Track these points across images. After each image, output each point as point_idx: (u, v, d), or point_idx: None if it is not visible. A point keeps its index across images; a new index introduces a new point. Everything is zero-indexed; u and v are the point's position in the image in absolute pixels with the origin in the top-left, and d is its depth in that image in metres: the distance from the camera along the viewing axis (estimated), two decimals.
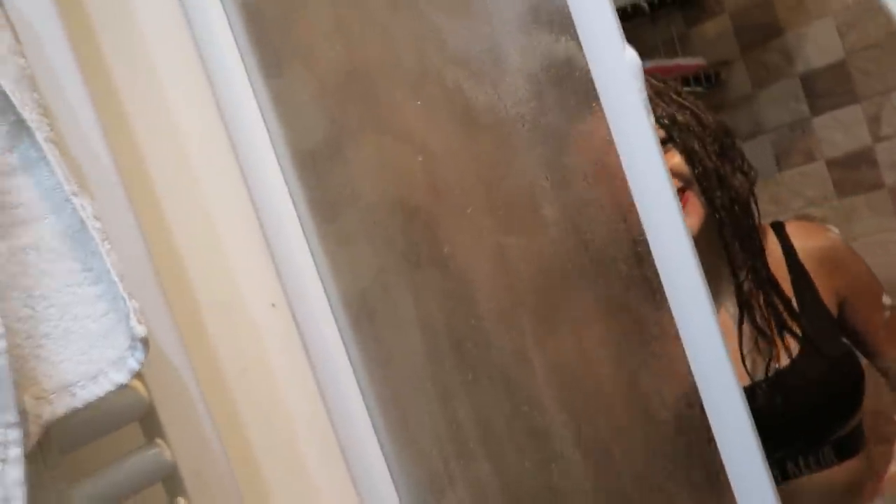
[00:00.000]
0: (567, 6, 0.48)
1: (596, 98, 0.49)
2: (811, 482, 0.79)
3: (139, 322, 0.37)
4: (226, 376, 0.62)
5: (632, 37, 0.46)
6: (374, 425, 0.68)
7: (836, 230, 0.87)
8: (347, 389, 0.68)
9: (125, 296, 0.37)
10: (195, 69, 0.67)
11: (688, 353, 0.49)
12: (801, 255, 0.82)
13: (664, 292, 0.50)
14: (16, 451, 0.33)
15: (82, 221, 0.40)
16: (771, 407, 0.77)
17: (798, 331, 0.78)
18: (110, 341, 0.39)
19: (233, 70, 0.68)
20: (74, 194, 0.38)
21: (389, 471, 0.68)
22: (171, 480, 0.45)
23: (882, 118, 1.24)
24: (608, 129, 0.49)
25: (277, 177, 0.68)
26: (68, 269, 0.40)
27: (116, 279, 0.38)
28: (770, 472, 0.47)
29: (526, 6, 0.53)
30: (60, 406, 0.37)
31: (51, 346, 0.38)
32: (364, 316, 0.68)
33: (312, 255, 0.69)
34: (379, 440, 0.68)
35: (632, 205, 0.48)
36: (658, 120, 0.80)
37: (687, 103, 0.82)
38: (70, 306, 0.39)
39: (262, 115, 0.67)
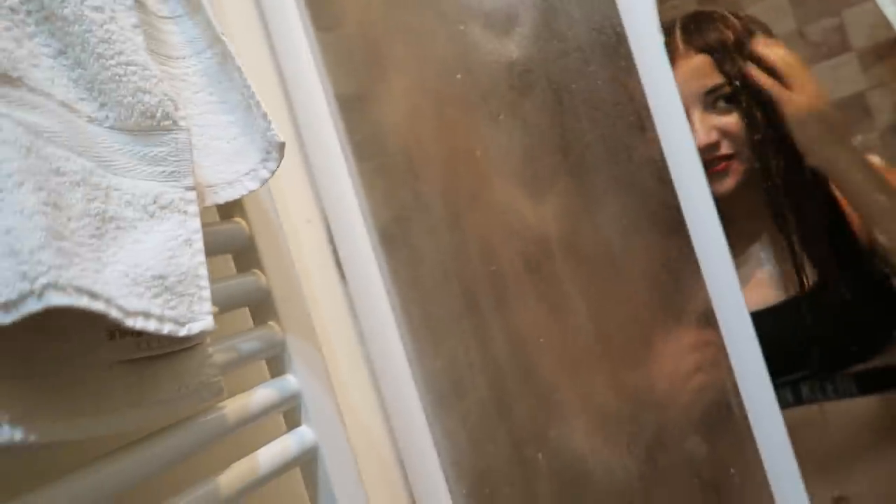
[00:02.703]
0: None
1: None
2: (832, 410, 0.81)
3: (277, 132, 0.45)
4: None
5: None
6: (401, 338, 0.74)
7: (876, 157, 0.87)
8: (379, 306, 0.75)
9: (264, 112, 0.45)
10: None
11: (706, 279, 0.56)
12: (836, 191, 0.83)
13: (683, 218, 0.58)
14: (194, 208, 0.39)
15: (219, 64, 0.48)
16: (792, 327, 0.80)
17: (824, 258, 0.81)
18: (243, 157, 0.46)
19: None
20: (223, 34, 0.47)
21: (413, 377, 0.74)
22: (263, 305, 0.52)
23: None
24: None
25: (324, 111, 0.76)
26: (206, 100, 0.47)
27: (256, 100, 0.46)
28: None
29: None
30: (209, 199, 0.44)
31: (196, 154, 0.45)
32: (398, 238, 0.75)
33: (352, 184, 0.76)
34: (404, 347, 0.74)
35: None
36: (727, 78, 0.81)
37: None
38: (207, 128, 0.46)
39: (312, 53, 0.76)
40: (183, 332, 0.36)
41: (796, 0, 1.62)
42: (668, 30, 0.90)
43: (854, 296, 0.83)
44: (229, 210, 0.52)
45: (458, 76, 0.70)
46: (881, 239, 0.83)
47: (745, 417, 0.55)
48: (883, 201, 0.81)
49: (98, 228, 0.34)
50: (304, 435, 0.51)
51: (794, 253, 0.83)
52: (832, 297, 0.83)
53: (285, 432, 0.51)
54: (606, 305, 0.65)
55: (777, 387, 0.86)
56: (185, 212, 0.39)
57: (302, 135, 0.75)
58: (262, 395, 0.48)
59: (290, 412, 0.51)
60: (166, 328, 0.35)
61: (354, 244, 0.74)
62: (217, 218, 0.52)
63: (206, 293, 0.38)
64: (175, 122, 0.40)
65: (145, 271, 0.35)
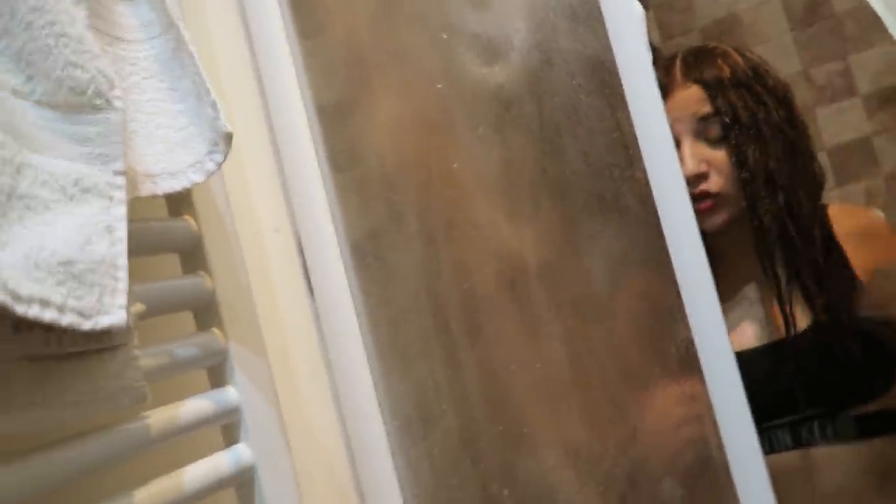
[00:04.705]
0: None
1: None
2: (833, 454, 0.79)
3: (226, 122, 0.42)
4: None
5: None
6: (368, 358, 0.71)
7: (880, 212, 0.88)
8: (345, 320, 0.71)
9: (214, 100, 0.42)
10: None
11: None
12: (839, 234, 0.84)
13: (669, 256, 0.55)
14: (121, 194, 0.36)
15: (173, 50, 0.45)
16: (783, 369, 0.79)
17: (820, 300, 0.80)
18: (189, 148, 0.43)
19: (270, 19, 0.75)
20: (179, 19, 0.44)
21: (378, 400, 0.70)
22: (207, 310, 0.48)
23: None
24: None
25: (302, 119, 0.73)
26: (156, 86, 0.44)
27: (206, 88, 0.43)
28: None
29: None
30: (145, 189, 0.41)
31: (138, 141, 0.42)
32: (370, 254, 0.72)
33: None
34: (371, 368, 0.70)
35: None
36: (718, 112, 0.81)
37: (767, 97, 0.81)
38: (155, 116, 0.43)
39: (294, 59, 0.74)
40: (87, 325, 0.32)
41: (802, 42, 1.61)
42: (669, 61, 0.90)
43: (851, 338, 0.80)
44: (178, 206, 0.49)
45: (439, 86, 0.68)
46: None
47: (727, 466, 0.51)
48: None
49: (1, 205, 0.31)
50: (241, 453, 0.47)
51: (782, 295, 0.81)
52: (825, 339, 0.81)
53: (222, 449, 0.47)
54: (584, 338, 0.61)
55: (773, 429, 0.84)
56: (111, 197, 0.36)
57: (277, 141, 0.73)
58: (196, 406, 0.45)
59: (228, 427, 0.48)
60: (66, 319, 0.31)
61: (324, 257, 0.71)
62: (166, 213, 0.49)
63: (123, 285, 0.34)
64: (108, 102, 0.37)
65: (50, 255, 0.32)
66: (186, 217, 0.48)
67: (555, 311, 0.62)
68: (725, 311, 0.88)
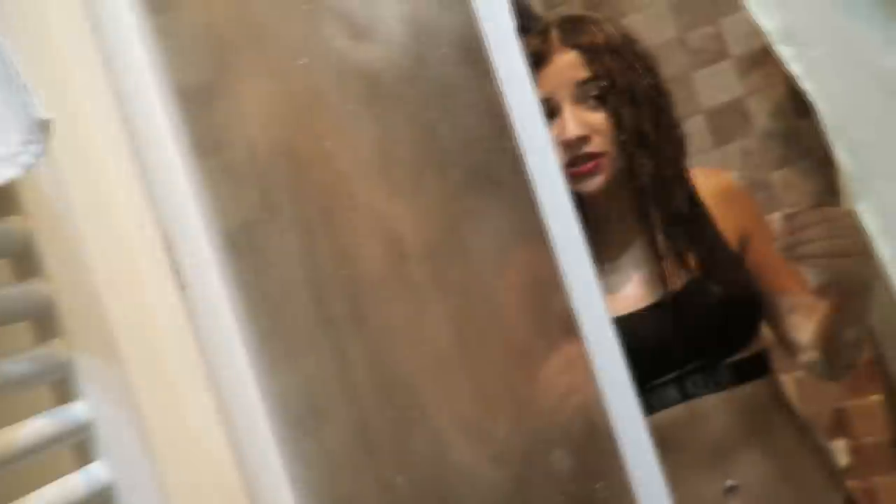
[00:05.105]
0: None
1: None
2: (714, 402, 0.84)
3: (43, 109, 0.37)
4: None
5: None
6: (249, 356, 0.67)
7: (734, 173, 0.94)
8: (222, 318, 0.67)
9: (25, 83, 0.37)
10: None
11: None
12: (702, 192, 0.89)
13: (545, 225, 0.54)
14: None
15: None
16: (667, 327, 0.84)
17: (694, 258, 0.85)
18: (1, 139, 0.38)
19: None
20: None
21: (263, 397, 0.67)
22: (46, 319, 0.43)
23: None
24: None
25: (159, 103, 0.68)
26: None
27: (15, 72, 0.38)
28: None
29: None
30: None
31: None
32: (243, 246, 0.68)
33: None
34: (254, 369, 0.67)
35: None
36: (596, 76, 0.84)
37: (637, 64, 0.85)
38: None
39: (144, 38, 0.68)
40: None
41: (676, 8, 1.66)
42: (545, 28, 0.91)
43: (721, 294, 0.85)
44: (2, 206, 0.43)
45: (304, 62, 0.64)
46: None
47: (611, 429, 0.51)
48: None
49: None
50: (96, 473, 0.43)
51: (659, 254, 0.85)
52: (699, 296, 0.85)
53: (75, 469, 0.43)
54: (469, 315, 0.60)
55: (660, 386, 0.89)
56: None
57: (134, 129, 0.67)
58: (39, 426, 0.40)
59: (80, 446, 0.43)
60: None
61: (194, 250, 0.66)
62: None
63: None
64: None
65: None
66: (13, 217, 0.43)
67: (438, 290, 0.61)
68: (613, 272, 0.92)
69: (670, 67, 1.62)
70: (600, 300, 0.51)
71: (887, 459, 1.57)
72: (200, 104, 0.70)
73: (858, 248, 0.62)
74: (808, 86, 0.46)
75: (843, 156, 0.45)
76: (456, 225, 0.59)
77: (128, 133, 0.67)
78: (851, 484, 1.55)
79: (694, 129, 1.64)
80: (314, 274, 0.66)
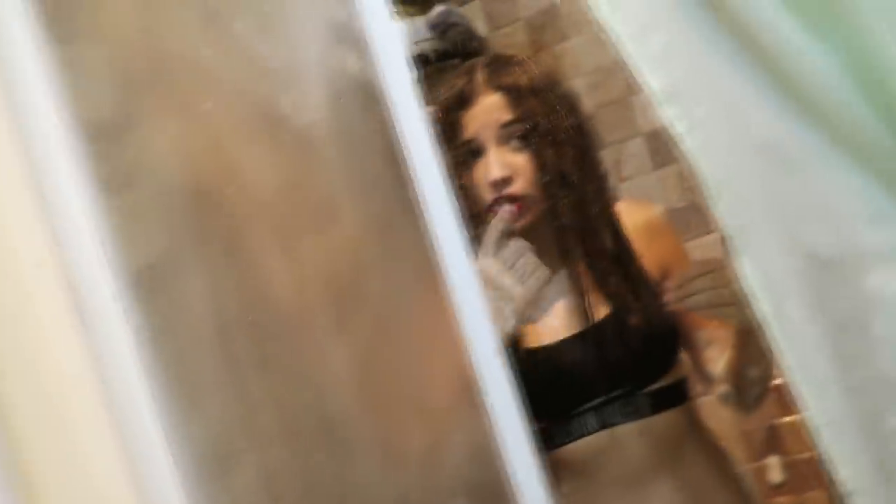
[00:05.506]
0: None
1: None
2: (631, 430, 0.87)
3: None
4: None
5: None
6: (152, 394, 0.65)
7: (659, 207, 0.98)
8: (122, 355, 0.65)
9: None
10: None
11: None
12: (627, 226, 0.92)
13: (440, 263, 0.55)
14: None
15: None
16: (588, 357, 0.86)
17: (617, 290, 0.88)
18: None
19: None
20: None
21: (168, 442, 0.65)
22: None
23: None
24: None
25: (63, 138, 0.66)
26: None
27: None
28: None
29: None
30: None
31: None
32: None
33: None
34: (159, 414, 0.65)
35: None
36: (520, 119, 0.86)
37: (560, 105, 0.87)
38: None
39: (47, 70, 0.66)
40: None
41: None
42: (470, 69, 0.93)
43: (641, 326, 0.88)
44: None
45: (210, 104, 0.63)
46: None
47: (507, 471, 0.52)
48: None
49: None
50: None
51: (581, 287, 0.87)
52: (620, 327, 0.87)
53: None
54: (375, 359, 0.59)
55: (581, 414, 0.90)
56: None
57: (34, 166, 0.65)
58: None
59: None
60: None
61: (97, 292, 0.64)
62: None
63: None
64: None
65: None
66: None
67: (344, 334, 0.60)
68: (541, 300, 0.93)
69: (611, 91, 1.65)
70: (497, 351, 0.51)
71: (820, 475, 1.61)
72: (108, 140, 0.68)
73: (741, 298, 0.64)
74: (689, 144, 0.47)
75: (723, 212, 0.46)
76: (361, 269, 0.59)
77: (28, 167, 0.65)
78: (785, 500, 1.59)
79: (633, 151, 1.66)
80: (222, 317, 0.65)
